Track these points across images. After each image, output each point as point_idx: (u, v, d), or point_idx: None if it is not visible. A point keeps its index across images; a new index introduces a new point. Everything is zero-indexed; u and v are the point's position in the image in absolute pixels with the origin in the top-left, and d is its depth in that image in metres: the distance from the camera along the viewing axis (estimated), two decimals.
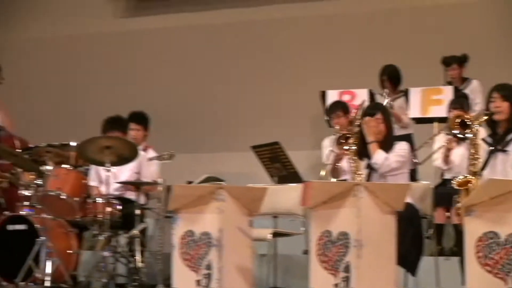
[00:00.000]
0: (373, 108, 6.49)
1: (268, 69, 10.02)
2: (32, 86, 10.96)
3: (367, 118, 6.20)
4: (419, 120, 8.22)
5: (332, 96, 8.32)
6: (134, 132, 7.62)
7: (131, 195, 7.33)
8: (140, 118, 7.75)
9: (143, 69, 10.52)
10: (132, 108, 7.96)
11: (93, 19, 10.80)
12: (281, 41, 10.02)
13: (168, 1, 10.43)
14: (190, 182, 8.11)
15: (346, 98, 8.16)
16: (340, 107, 7.77)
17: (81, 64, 10.84)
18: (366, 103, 7.21)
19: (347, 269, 5.18)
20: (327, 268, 5.27)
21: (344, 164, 6.50)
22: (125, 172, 7.36)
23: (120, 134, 7.46)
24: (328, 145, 7.64)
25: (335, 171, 6.72)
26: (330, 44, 9.77)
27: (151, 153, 7.70)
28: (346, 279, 5.19)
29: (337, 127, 7.42)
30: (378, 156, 6.10)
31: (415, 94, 8.12)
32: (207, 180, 8.20)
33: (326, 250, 5.27)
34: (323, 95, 8.45)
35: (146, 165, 7.45)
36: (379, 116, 6.23)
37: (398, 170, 6.16)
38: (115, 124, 7.57)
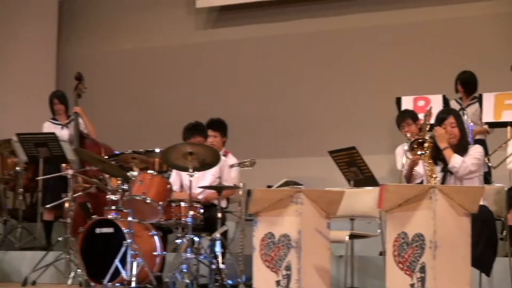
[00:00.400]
0: (446, 112, 6.57)
1: (345, 76, 10.11)
2: (118, 96, 11.22)
3: (436, 128, 6.30)
4: (492, 125, 8.24)
5: (407, 102, 8.39)
6: (211, 138, 7.81)
7: (212, 199, 7.48)
8: (217, 125, 7.96)
9: (223, 78, 10.69)
10: (213, 116, 8.15)
11: (175, 31, 11.01)
12: (356, 49, 10.11)
13: (248, 12, 10.56)
14: (269, 186, 8.30)
15: (420, 103, 8.24)
16: (409, 115, 7.90)
17: (162, 74, 11.07)
18: (434, 109, 7.26)
19: (422, 269, 5.25)
20: (403, 268, 5.34)
21: (419, 169, 6.57)
22: (207, 176, 7.51)
23: (201, 139, 7.60)
24: (401, 152, 7.75)
25: (410, 177, 6.79)
26: (405, 51, 9.83)
27: (231, 158, 7.88)
28: (422, 280, 5.25)
29: (408, 134, 7.55)
30: (455, 160, 6.18)
31: (489, 99, 8.11)
32: (286, 184, 8.35)
33: (402, 251, 5.34)
34: (398, 101, 8.52)
35: (227, 170, 7.60)
36: (452, 120, 6.33)
37: (475, 173, 6.25)
38: (196, 130, 7.70)
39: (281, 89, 10.40)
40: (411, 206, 5.37)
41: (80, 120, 9.05)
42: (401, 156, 7.67)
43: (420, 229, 5.30)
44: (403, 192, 5.46)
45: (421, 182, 6.60)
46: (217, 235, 7.06)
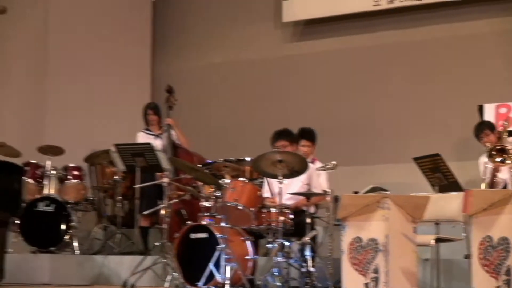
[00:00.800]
0: None
1: (428, 84, 10.17)
2: (209, 108, 11.46)
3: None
4: None
5: (489, 109, 8.44)
6: (305, 148, 8.05)
7: (302, 205, 7.65)
8: (309, 135, 8.19)
9: (309, 88, 10.84)
10: (301, 125, 8.37)
11: (262, 45, 11.24)
12: (440, 57, 10.17)
13: (332, 25, 10.69)
14: (356, 192, 8.40)
15: (502, 111, 8.29)
16: (486, 126, 8.02)
17: (250, 86, 11.30)
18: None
19: (508, 272, 5.36)
20: (489, 271, 5.44)
21: (501, 175, 6.62)
22: (296, 183, 7.67)
23: (285, 143, 7.83)
24: (483, 162, 7.85)
25: (493, 184, 6.83)
26: (486, 59, 9.86)
27: (318, 165, 8.01)
28: (507, 282, 5.35)
29: (488, 144, 7.65)
30: None
31: None
32: (373, 190, 8.47)
33: (487, 255, 5.44)
34: (480, 109, 8.58)
35: (316, 177, 7.78)
36: None
37: None
38: (281, 134, 7.94)
39: (366, 98, 10.50)
40: (495, 210, 5.46)
41: (172, 131, 9.31)
42: (483, 165, 7.78)
43: (505, 233, 5.39)
44: (487, 197, 5.56)
45: (505, 187, 6.69)
46: (306, 239, 7.23)
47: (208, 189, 7.79)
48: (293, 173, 7.35)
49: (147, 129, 9.54)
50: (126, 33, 11.66)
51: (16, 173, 7.78)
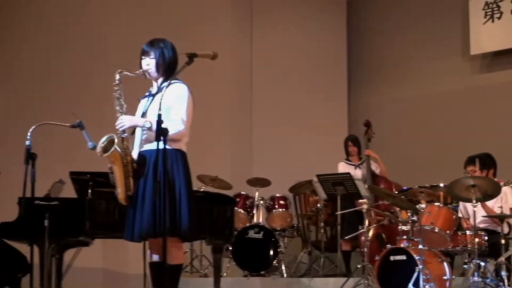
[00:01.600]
0: None
1: None
2: (404, 138, 11.58)
3: None
4: None
5: None
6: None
7: (495, 226, 7.85)
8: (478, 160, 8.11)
9: (497, 117, 10.76)
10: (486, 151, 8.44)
11: (451, 78, 11.29)
12: None
13: None
14: None
15: None
16: None
17: (440, 117, 11.27)
18: None
19: None
20: None
21: None
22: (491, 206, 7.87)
23: (473, 167, 8.00)
24: None
25: None
26: None
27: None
28: None
29: None
30: None
31: None
32: None
33: None
34: None
35: (509, 200, 7.88)
36: None
37: None
38: (470, 160, 8.11)
39: None
40: None
41: (371, 161, 9.71)
42: None
43: None
44: None
45: None
46: (502, 259, 7.35)
47: (405, 214, 7.99)
48: (485, 196, 7.53)
49: (348, 160, 9.99)
50: (323, 70, 11.95)
51: (229, 204, 8.12)
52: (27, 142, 6.41)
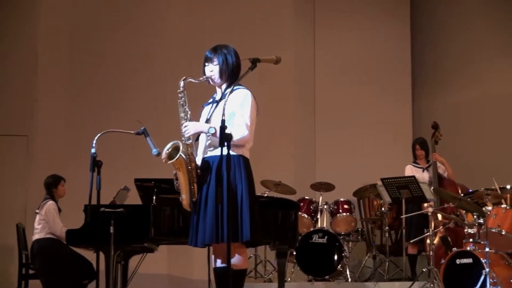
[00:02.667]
0: None
1: None
2: (470, 140, 11.47)
3: None
4: None
5: None
6: None
7: None
8: None
9: None
10: None
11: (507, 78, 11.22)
12: None
13: None
14: None
15: None
16: None
17: (502, 118, 11.22)
18: None
19: None
20: None
21: None
22: None
23: None
24: None
25: None
26: None
27: None
28: None
29: None
30: None
31: None
32: None
33: None
34: None
35: None
36: None
37: None
38: None
39: None
40: None
41: (438, 164, 9.67)
42: None
43: None
44: None
45: None
46: None
47: (470, 217, 7.93)
48: None
49: (415, 162, 9.94)
50: (387, 71, 11.92)
51: (293, 208, 8.09)
52: (92, 150, 6.49)
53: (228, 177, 5.40)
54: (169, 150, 5.54)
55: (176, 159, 5.48)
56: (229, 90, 5.59)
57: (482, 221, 7.71)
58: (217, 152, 5.44)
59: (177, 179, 5.60)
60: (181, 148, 5.49)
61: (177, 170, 5.55)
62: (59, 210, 8.84)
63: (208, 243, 5.61)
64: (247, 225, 5.51)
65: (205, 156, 5.69)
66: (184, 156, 5.51)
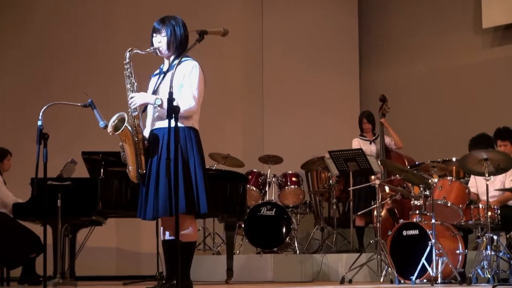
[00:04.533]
0: None
1: None
2: (415, 114, 11.64)
3: None
4: None
5: None
6: (502, 148, 7.95)
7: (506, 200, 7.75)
8: (506, 134, 8.04)
9: (508, 92, 10.75)
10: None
11: (463, 51, 11.33)
12: None
13: None
14: None
15: None
16: None
17: (452, 92, 11.32)
18: None
19: None
20: None
21: None
22: (501, 179, 7.80)
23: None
24: None
25: None
26: None
27: None
28: None
29: None
30: None
31: None
32: None
33: None
34: None
35: None
36: None
37: None
38: (478, 142, 8.04)
39: None
40: None
41: (385, 136, 9.73)
42: None
43: None
44: None
45: None
46: None
47: (417, 189, 7.95)
48: (498, 170, 7.46)
49: (362, 135, 10.02)
50: (334, 45, 12.03)
51: (241, 181, 8.19)
52: (39, 123, 6.39)
53: (179, 150, 5.37)
54: (115, 121, 5.49)
55: (122, 131, 5.43)
56: (176, 61, 5.55)
57: (428, 193, 7.75)
58: (165, 124, 5.38)
59: (123, 150, 5.56)
60: (126, 119, 5.45)
61: (123, 141, 5.51)
62: (4, 183, 8.71)
63: (161, 216, 5.58)
64: (203, 198, 5.51)
65: (153, 128, 5.65)
66: (130, 128, 5.47)
